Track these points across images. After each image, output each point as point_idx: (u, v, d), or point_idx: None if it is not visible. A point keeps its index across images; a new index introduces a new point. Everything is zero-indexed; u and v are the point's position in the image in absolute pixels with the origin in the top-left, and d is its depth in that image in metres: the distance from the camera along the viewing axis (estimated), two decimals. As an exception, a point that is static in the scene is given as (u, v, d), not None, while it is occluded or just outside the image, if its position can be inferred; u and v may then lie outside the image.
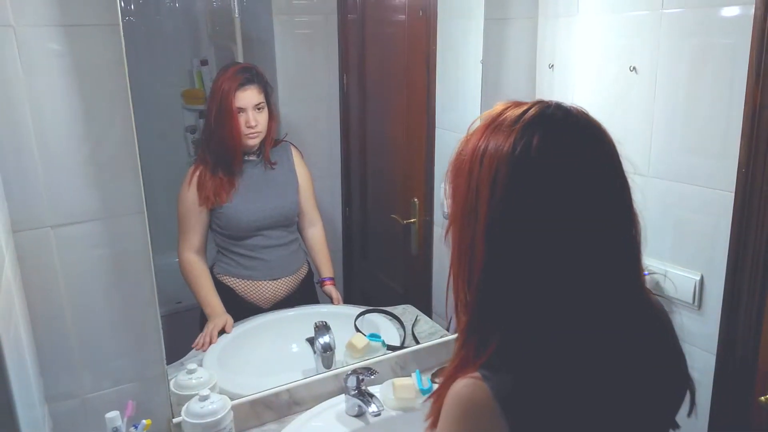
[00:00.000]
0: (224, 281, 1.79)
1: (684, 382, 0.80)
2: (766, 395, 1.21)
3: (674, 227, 1.36)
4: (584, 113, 0.73)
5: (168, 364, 1.32)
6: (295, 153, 1.88)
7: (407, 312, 1.84)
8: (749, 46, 1.15)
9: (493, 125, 0.71)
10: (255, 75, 1.72)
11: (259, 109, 1.71)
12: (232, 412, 1.27)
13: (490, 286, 0.70)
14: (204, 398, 1.24)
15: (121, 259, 1.21)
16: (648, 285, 0.82)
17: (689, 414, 0.81)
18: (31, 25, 1.05)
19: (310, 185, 1.90)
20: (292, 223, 1.85)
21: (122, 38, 1.12)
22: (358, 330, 1.69)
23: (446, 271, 1.81)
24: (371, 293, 2.24)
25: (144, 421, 1.21)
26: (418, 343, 1.68)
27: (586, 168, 0.69)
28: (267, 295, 1.80)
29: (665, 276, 1.36)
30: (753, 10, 1.14)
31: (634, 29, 1.38)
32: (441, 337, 1.70)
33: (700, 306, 1.32)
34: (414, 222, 1.93)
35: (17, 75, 1.05)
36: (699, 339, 1.32)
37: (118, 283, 1.22)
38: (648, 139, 1.38)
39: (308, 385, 1.46)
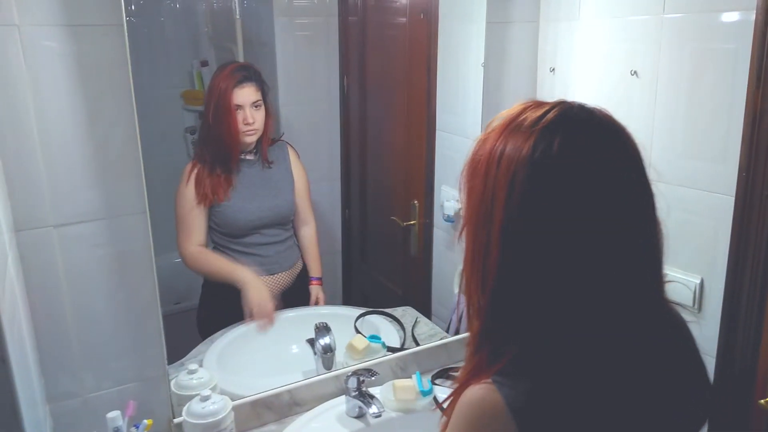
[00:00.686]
0: None
1: (705, 395, 0.77)
2: (766, 398, 1.22)
3: (674, 231, 1.35)
4: (608, 115, 0.71)
5: (167, 364, 1.32)
6: (291, 152, 1.89)
7: (407, 314, 1.84)
8: (750, 52, 1.16)
9: (512, 126, 0.69)
10: (252, 73, 1.74)
11: (256, 106, 1.72)
12: (233, 413, 1.27)
13: (504, 290, 0.69)
14: (205, 398, 1.24)
15: (123, 259, 1.21)
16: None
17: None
18: (36, 24, 1.05)
19: (306, 185, 1.91)
20: (288, 221, 1.87)
21: (126, 39, 1.12)
22: (358, 331, 1.69)
23: (445, 274, 1.82)
24: (371, 295, 2.24)
25: (145, 421, 1.21)
26: (418, 344, 1.69)
27: (609, 172, 0.67)
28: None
29: (665, 279, 1.36)
30: (754, 16, 1.15)
31: (635, 33, 1.39)
32: (441, 339, 1.70)
33: (700, 309, 1.33)
34: (414, 224, 1.94)
35: (21, 74, 1.05)
36: (699, 342, 1.32)
37: (119, 283, 1.22)
38: (649, 142, 1.39)
39: (309, 386, 1.46)
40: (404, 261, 2.04)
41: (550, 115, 0.68)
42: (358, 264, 2.30)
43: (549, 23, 1.61)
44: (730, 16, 1.21)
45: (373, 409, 1.35)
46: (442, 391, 1.43)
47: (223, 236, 1.77)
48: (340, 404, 1.44)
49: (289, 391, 1.43)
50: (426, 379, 1.48)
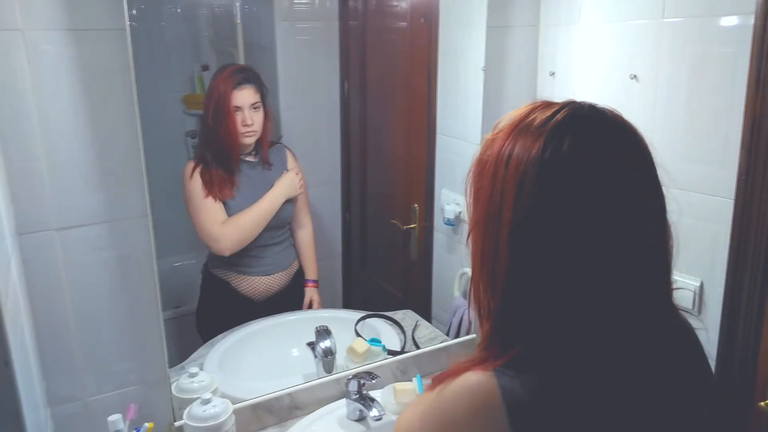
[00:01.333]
0: (218, 275, 1.80)
1: (711, 398, 0.75)
2: (766, 401, 1.22)
3: (674, 234, 1.36)
4: (618, 115, 0.70)
5: (168, 367, 1.32)
6: (289, 155, 1.90)
7: (407, 317, 1.85)
8: (749, 55, 1.17)
9: (521, 126, 0.68)
10: (251, 75, 1.76)
11: (255, 108, 1.74)
12: (234, 416, 1.27)
13: (514, 292, 0.67)
14: (206, 402, 1.25)
15: (125, 263, 1.21)
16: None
17: None
18: (39, 29, 1.06)
19: (303, 188, 1.92)
20: (286, 223, 1.89)
21: (129, 43, 1.12)
22: (358, 335, 1.69)
23: (445, 277, 1.82)
24: (371, 298, 2.24)
25: (146, 424, 1.21)
26: (418, 348, 1.69)
27: (619, 172, 0.66)
28: (260, 289, 1.83)
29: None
30: (753, 20, 1.16)
31: (635, 38, 1.40)
32: (441, 342, 1.71)
33: (700, 312, 1.33)
34: (414, 227, 1.94)
35: (25, 78, 1.06)
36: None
37: (121, 287, 1.22)
38: (648, 146, 1.39)
39: (309, 389, 1.46)
40: (404, 264, 2.05)
41: (560, 115, 0.67)
42: (358, 267, 2.30)
43: (549, 27, 1.61)
44: (730, 20, 1.21)
45: (374, 413, 1.35)
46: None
47: None
48: (341, 407, 1.44)
49: (289, 395, 1.44)
50: (426, 383, 1.48)
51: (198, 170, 1.72)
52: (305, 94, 2.20)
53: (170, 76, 2.39)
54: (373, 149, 2.21)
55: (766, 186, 1.17)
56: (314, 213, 2.03)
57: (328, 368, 1.52)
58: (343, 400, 1.45)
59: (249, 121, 1.72)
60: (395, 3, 2.02)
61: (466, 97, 1.72)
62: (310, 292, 1.94)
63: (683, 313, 0.78)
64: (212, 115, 1.71)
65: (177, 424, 1.30)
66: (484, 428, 0.66)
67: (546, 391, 0.65)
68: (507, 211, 0.66)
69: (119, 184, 1.17)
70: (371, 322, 1.79)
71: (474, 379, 0.67)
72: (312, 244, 1.98)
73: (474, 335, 1.69)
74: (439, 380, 0.70)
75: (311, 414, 1.43)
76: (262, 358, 1.67)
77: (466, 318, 1.71)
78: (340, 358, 1.56)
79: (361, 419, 1.41)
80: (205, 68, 2.36)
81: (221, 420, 1.23)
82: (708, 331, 1.31)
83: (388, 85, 2.10)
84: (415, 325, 1.80)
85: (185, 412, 1.25)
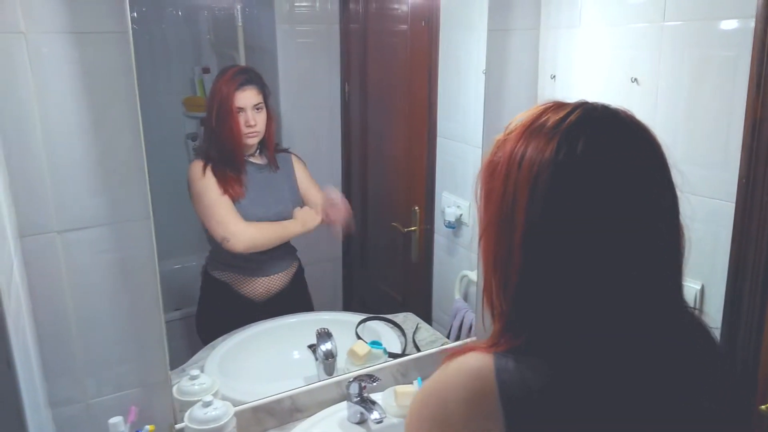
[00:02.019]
0: (218, 277, 1.80)
1: (724, 397, 0.74)
2: (766, 404, 1.22)
3: (687, 235, 1.37)
4: (632, 116, 0.70)
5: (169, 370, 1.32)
6: (296, 162, 1.90)
7: (408, 320, 1.85)
8: (750, 59, 1.17)
9: (533, 128, 0.68)
10: (253, 76, 1.76)
11: (257, 109, 1.74)
12: (235, 419, 1.27)
13: (527, 294, 0.67)
14: (207, 404, 1.25)
15: (127, 265, 1.21)
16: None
17: None
18: (42, 32, 1.06)
19: (308, 177, 1.93)
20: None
21: (132, 46, 1.13)
22: (359, 337, 1.69)
23: (446, 280, 1.82)
24: (371, 301, 2.24)
25: (147, 426, 1.21)
26: (419, 350, 1.69)
27: (633, 173, 0.66)
28: (260, 290, 1.83)
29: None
30: (753, 23, 1.16)
31: (636, 41, 1.40)
32: (442, 345, 1.71)
33: (700, 315, 1.33)
34: (414, 230, 1.94)
35: (27, 81, 1.06)
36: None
37: (123, 289, 1.22)
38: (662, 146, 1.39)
39: (310, 391, 1.46)
40: (405, 267, 2.05)
41: (574, 116, 0.67)
42: (358, 270, 2.30)
43: (550, 31, 1.62)
44: (730, 24, 1.22)
45: (375, 415, 1.35)
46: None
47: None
48: (342, 410, 1.44)
49: (290, 397, 1.44)
50: (427, 385, 1.48)
51: (209, 168, 1.72)
52: (306, 96, 2.21)
53: (171, 79, 2.39)
54: (374, 152, 2.21)
55: (766, 189, 1.17)
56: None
57: (329, 371, 1.52)
58: (344, 403, 1.45)
59: (252, 122, 1.73)
60: (396, 6, 2.03)
61: (466, 100, 1.73)
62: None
63: (697, 314, 0.77)
64: (215, 116, 1.72)
65: (178, 426, 1.30)
66: (477, 407, 0.66)
67: (543, 378, 0.65)
68: (520, 212, 0.66)
69: (121, 186, 1.17)
70: (372, 324, 1.79)
71: (473, 359, 0.67)
72: None
73: (475, 338, 1.69)
74: (448, 357, 0.71)
75: (312, 417, 1.43)
76: (262, 360, 1.67)
77: (466, 321, 1.72)
78: (341, 361, 1.56)
79: (362, 422, 1.41)
80: (206, 71, 2.36)
81: (222, 423, 1.23)
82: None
83: (388, 88, 2.10)
84: (416, 328, 1.80)
85: (186, 414, 1.25)
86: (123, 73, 1.13)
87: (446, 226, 1.81)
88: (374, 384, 1.41)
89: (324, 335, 1.54)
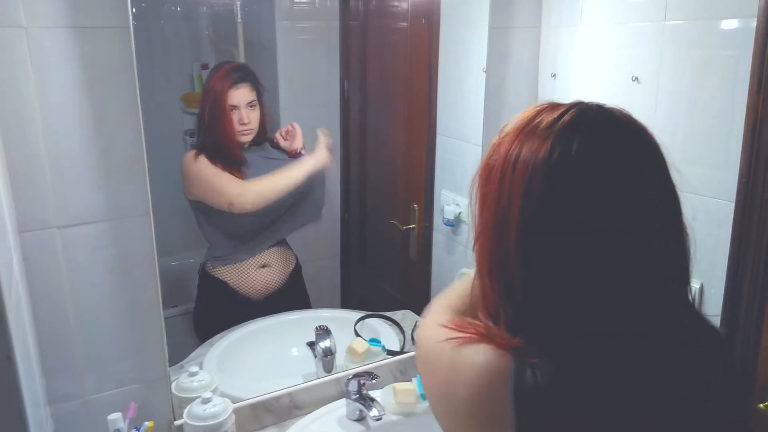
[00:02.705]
0: (216, 275, 1.80)
1: (721, 401, 0.73)
2: (765, 402, 1.23)
3: (691, 236, 1.37)
4: (628, 115, 0.69)
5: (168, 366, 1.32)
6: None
7: (407, 317, 1.85)
8: (751, 58, 1.17)
9: (527, 129, 0.67)
10: (247, 73, 1.76)
11: (251, 106, 1.75)
12: (233, 415, 1.27)
13: (528, 298, 0.66)
14: (206, 401, 1.24)
15: (126, 261, 1.21)
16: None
17: None
18: (43, 26, 1.05)
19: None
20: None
21: (132, 41, 1.12)
22: (358, 335, 1.69)
23: (445, 278, 1.82)
24: (370, 299, 2.24)
25: (146, 423, 1.21)
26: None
27: (629, 172, 0.65)
28: (258, 288, 1.83)
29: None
30: (755, 23, 1.16)
31: (637, 40, 1.40)
32: (440, 342, 1.70)
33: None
34: (413, 228, 1.94)
35: (27, 76, 1.05)
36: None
37: (122, 285, 1.22)
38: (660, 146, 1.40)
39: (309, 389, 1.46)
40: (404, 265, 2.05)
41: (568, 117, 0.66)
42: (357, 267, 2.30)
43: (551, 29, 1.62)
44: (731, 23, 1.22)
45: (374, 413, 1.35)
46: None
47: (222, 234, 1.77)
48: (341, 407, 1.44)
49: (289, 394, 1.43)
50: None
51: (203, 155, 1.72)
52: (305, 93, 2.20)
53: (169, 75, 2.38)
54: (373, 149, 2.21)
55: (767, 189, 1.18)
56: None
57: (328, 368, 1.52)
58: (343, 400, 1.45)
59: (245, 119, 1.73)
60: (396, 3, 2.02)
61: (466, 98, 1.73)
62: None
63: (703, 314, 0.76)
64: (208, 113, 1.71)
65: (177, 423, 1.30)
66: (487, 406, 0.66)
67: (558, 380, 0.64)
68: (515, 215, 0.65)
69: (121, 182, 1.17)
70: (371, 322, 1.79)
71: (490, 354, 0.66)
72: None
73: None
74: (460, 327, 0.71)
75: (311, 414, 1.43)
76: (261, 357, 1.67)
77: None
78: (340, 358, 1.55)
79: (360, 419, 1.41)
80: (205, 67, 2.35)
81: (221, 419, 1.23)
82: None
83: (388, 86, 2.10)
84: (415, 325, 1.80)
85: (185, 411, 1.25)
86: (123, 68, 1.13)
87: (445, 224, 1.81)
88: (373, 381, 1.41)
89: (323, 332, 1.54)
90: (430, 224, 1.91)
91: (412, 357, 1.61)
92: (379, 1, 2.11)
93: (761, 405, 1.23)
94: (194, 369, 1.35)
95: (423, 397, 1.43)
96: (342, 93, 2.22)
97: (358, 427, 1.40)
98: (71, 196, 1.13)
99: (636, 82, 1.41)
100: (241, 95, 1.72)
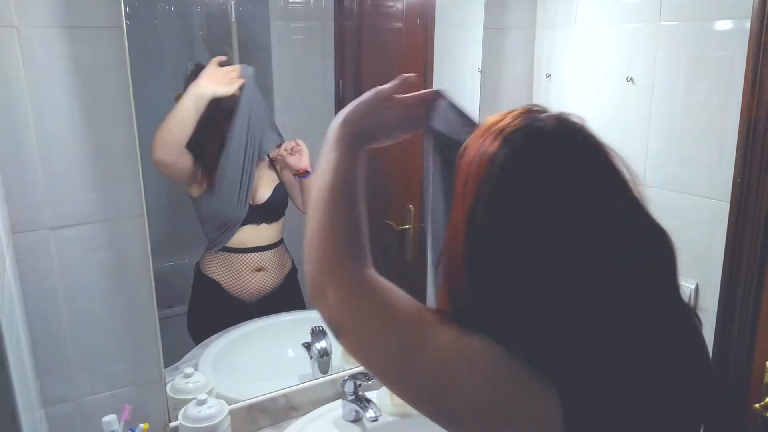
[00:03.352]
0: (210, 276, 1.79)
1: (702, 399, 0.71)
2: (760, 403, 1.23)
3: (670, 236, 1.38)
4: (581, 123, 0.69)
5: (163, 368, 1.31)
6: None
7: (402, 318, 1.84)
8: (745, 59, 1.18)
9: (486, 131, 0.69)
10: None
11: None
12: (229, 417, 1.26)
13: (473, 299, 0.67)
14: (201, 402, 1.24)
15: (120, 262, 1.20)
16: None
17: None
18: (35, 26, 1.05)
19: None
20: (281, 212, 1.87)
21: (126, 41, 1.12)
22: (353, 336, 1.68)
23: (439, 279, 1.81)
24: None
25: (141, 425, 1.20)
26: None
27: (573, 175, 0.65)
28: (252, 290, 1.81)
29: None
30: (749, 24, 1.17)
31: (631, 41, 1.41)
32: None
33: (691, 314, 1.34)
34: (409, 228, 1.94)
35: (19, 76, 1.05)
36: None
37: (116, 286, 1.21)
38: (644, 148, 1.40)
39: (305, 390, 1.46)
40: (399, 265, 2.05)
41: (518, 120, 0.68)
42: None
43: (545, 30, 1.62)
44: (725, 24, 1.22)
45: (370, 414, 1.35)
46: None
47: (216, 230, 1.77)
48: (337, 408, 1.44)
49: (285, 395, 1.43)
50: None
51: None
52: (300, 93, 2.19)
53: (163, 75, 2.37)
54: (368, 149, 2.20)
55: (761, 189, 1.18)
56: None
57: (324, 369, 1.51)
58: (339, 401, 1.44)
59: None
60: (391, 3, 2.02)
61: (461, 98, 1.72)
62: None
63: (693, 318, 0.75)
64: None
65: (172, 424, 1.29)
66: None
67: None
68: (466, 214, 0.67)
69: (115, 182, 1.16)
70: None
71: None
72: None
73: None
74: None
75: (307, 415, 1.43)
76: (257, 358, 1.66)
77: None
78: (336, 359, 1.55)
79: (356, 420, 1.41)
80: (199, 67, 2.34)
81: (217, 421, 1.23)
82: (703, 333, 1.32)
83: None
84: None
85: (180, 412, 1.25)
86: (117, 68, 1.12)
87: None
88: (369, 382, 1.41)
89: (319, 333, 1.54)
90: (425, 224, 1.91)
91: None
92: (373, 2, 2.11)
93: (756, 405, 1.23)
94: (189, 370, 1.34)
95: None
96: (337, 93, 2.21)
97: (355, 428, 1.40)
98: (64, 196, 1.12)
99: (631, 82, 1.41)
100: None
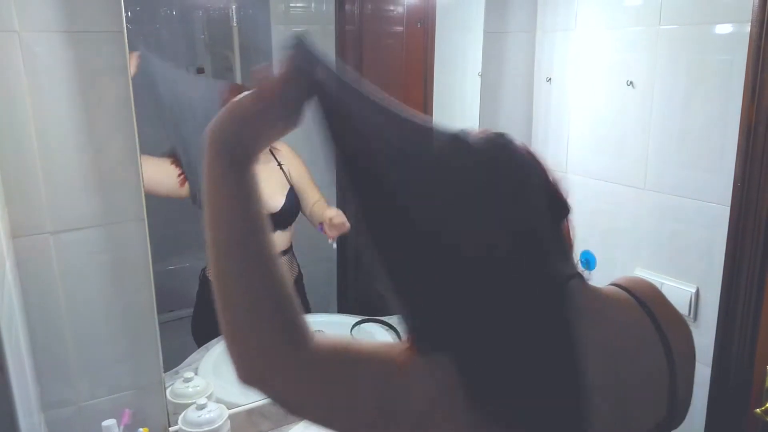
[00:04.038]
0: None
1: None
2: (761, 407, 1.23)
3: (670, 240, 1.38)
4: (516, 146, 0.67)
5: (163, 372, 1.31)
6: (282, 149, 1.84)
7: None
8: (745, 63, 1.18)
9: None
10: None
11: None
12: (229, 421, 1.26)
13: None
14: (201, 407, 1.24)
15: (121, 266, 1.20)
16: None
17: None
18: (36, 30, 1.05)
19: (306, 173, 1.88)
20: (289, 223, 1.85)
21: (126, 45, 1.12)
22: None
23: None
24: (366, 302, 2.24)
25: (140, 429, 1.20)
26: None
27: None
28: None
29: (661, 288, 1.37)
30: (749, 28, 1.17)
31: (631, 45, 1.41)
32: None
33: (695, 318, 1.33)
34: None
35: (20, 80, 1.05)
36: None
37: (116, 290, 1.21)
38: (644, 152, 1.40)
39: (305, 394, 1.45)
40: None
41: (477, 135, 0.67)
42: (353, 271, 2.30)
43: (546, 33, 1.62)
44: (725, 28, 1.22)
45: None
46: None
47: None
48: (337, 412, 1.43)
49: (285, 400, 1.43)
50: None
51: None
52: (301, 97, 2.20)
53: (165, 79, 2.37)
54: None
55: (761, 193, 1.18)
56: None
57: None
58: (339, 405, 1.44)
59: None
60: (392, 7, 2.02)
61: (462, 102, 1.73)
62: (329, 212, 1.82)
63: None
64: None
65: (172, 429, 1.29)
66: None
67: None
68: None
69: (115, 187, 1.16)
70: (367, 326, 1.78)
71: None
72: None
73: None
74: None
75: (307, 419, 1.43)
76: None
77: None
78: (336, 363, 1.54)
79: (356, 424, 1.40)
80: (201, 71, 2.35)
81: (217, 425, 1.23)
82: (703, 338, 1.32)
83: (384, 90, 2.08)
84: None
85: (180, 417, 1.25)
86: (118, 72, 1.12)
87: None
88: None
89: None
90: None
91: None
92: (374, 6, 2.12)
93: (757, 410, 1.23)
94: (189, 374, 1.34)
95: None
96: (338, 97, 2.21)
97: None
98: (65, 200, 1.12)
99: (631, 86, 1.41)
100: None
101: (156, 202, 1.73)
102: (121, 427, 1.17)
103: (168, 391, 1.32)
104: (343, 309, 2.28)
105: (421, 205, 0.63)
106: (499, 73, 1.61)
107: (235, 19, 2.15)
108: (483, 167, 0.65)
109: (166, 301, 1.82)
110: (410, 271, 0.63)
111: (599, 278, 1.35)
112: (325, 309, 2.13)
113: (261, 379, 0.65)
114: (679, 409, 0.75)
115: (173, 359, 1.58)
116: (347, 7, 2.14)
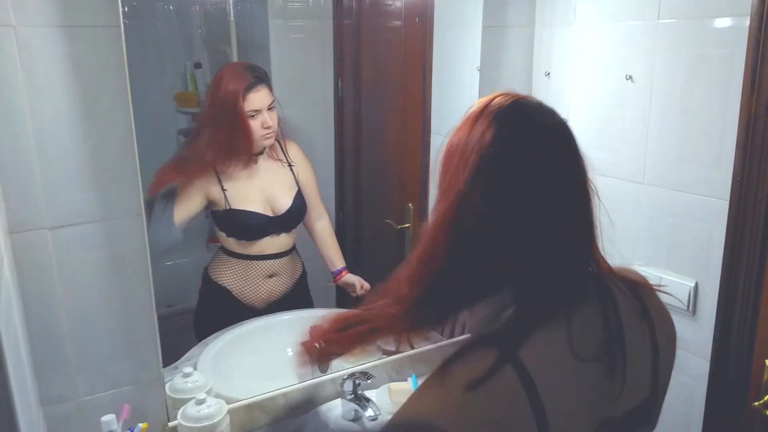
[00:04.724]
0: (219, 282, 1.78)
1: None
2: (759, 401, 1.23)
3: (669, 234, 1.38)
4: (551, 109, 0.76)
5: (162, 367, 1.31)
6: (292, 148, 1.84)
7: (401, 317, 1.84)
8: (744, 57, 1.17)
9: (467, 116, 0.76)
10: (262, 74, 1.69)
11: (270, 108, 1.68)
12: (228, 416, 1.26)
13: (451, 271, 0.73)
14: (200, 402, 1.24)
15: (119, 262, 1.20)
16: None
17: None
18: (32, 25, 1.04)
19: (313, 180, 1.88)
20: (299, 219, 1.84)
21: (123, 40, 1.11)
22: (353, 334, 1.68)
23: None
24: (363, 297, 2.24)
25: (140, 424, 1.20)
26: (413, 348, 1.68)
27: (542, 159, 0.72)
28: (262, 296, 1.80)
29: (660, 282, 1.37)
30: (748, 22, 1.16)
31: (630, 39, 1.40)
32: (436, 342, 1.70)
33: (694, 312, 1.34)
34: (408, 227, 1.94)
35: (17, 75, 1.04)
36: (693, 345, 1.34)
37: (115, 286, 1.21)
38: (644, 147, 1.40)
39: (304, 389, 1.45)
40: (399, 264, 2.04)
41: (496, 102, 0.75)
42: (351, 267, 2.29)
43: (544, 28, 1.62)
44: (725, 22, 1.22)
45: (369, 413, 1.35)
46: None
47: (232, 238, 1.76)
48: (336, 407, 1.44)
49: (284, 395, 1.43)
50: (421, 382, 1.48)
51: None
52: (299, 92, 2.19)
53: (162, 74, 2.37)
54: (368, 148, 2.20)
55: (760, 187, 1.18)
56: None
57: (323, 368, 1.51)
58: (338, 400, 1.44)
59: (269, 122, 1.66)
60: (390, 2, 2.02)
61: (461, 96, 1.72)
62: (350, 279, 1.91)
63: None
64: (218, 117, 1.64)
65: (171, 424, 1.29)
66: None
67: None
68: (458, 189, 0.72)
69: (113, 182, 1.16)
70: (365, 321, 1.78)
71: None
72: (333, 234, 1.95)
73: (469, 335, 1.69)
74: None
75: (306, 414, 1.43)
76: (256, 357, 1.66)
77: (460, 318, 1.71)
78: (335, 358, 1.55)
79: (356, 419, 1.41)
80: (198, 66, 2.35)
81: (216, 420, 1.23)
82: (702, 332, 1.32)
83: (382, 85, 2.10)
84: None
85: (179, 412, 1.24)
86: (114, 67, 1.12)
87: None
88: (368, 381, 1.41)
89: (318, 332, 1.53)
90: (425, 223, 1.91)
91: (408, 357, 1.61)
92: (372, 0, 2.11)
93: (756, 403, 1.23)
94: (188, 370, 1.34)
95: (418, 396, 1.43)
96: (336, 92, 2.21)
97: (354, 426, 1.40)
98: (62, 196, 1.12)
99: (630, 80, 1.41)
100: (261, 98, 1.64)
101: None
102: (121, 423, 1.16)
103: (167, 386, 1.32)
104: (342, 305, 2.28)
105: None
106: (498, 68, 1.61)
107: (232, 14, 2.14)
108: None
109: (164, 296, 1.82)
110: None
111: (598, 273, 1.35)
112: (324, 304, 2.12)
113: None
114: (659, 392, 0.81)
115: (172, 354, 1.57)
116: (345, 1, 2.14)
